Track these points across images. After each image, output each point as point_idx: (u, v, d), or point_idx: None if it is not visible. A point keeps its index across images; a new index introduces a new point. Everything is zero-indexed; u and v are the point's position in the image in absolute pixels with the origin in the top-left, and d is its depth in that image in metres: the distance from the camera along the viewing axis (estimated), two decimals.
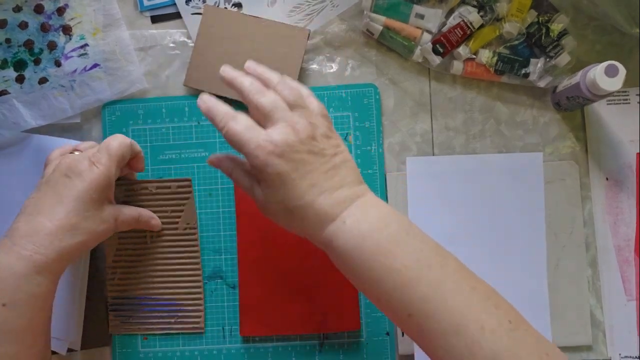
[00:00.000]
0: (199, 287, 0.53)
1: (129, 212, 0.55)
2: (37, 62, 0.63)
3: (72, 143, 0.54)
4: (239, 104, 0.63)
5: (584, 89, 0.56)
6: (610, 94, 0.55)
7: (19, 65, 0.63)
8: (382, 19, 0.62)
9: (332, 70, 0.64)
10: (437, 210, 0.62)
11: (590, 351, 0.61)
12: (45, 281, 0.48)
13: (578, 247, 0.62)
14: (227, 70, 0.50)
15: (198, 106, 0.49)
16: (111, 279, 0.56)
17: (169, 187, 0.51)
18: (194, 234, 0.51)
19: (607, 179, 0.63)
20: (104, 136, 0.64)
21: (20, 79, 0.63)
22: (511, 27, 0.61)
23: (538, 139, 0.63)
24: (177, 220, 0.52)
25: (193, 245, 0.52)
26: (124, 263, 0.56)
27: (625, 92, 0.63)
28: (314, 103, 0.49)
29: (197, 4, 0.64)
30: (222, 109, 0.48)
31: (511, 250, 0.61)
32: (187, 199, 0.51)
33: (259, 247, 0.60)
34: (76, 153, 0.53)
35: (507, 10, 0.61)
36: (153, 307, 0.56)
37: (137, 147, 0.56)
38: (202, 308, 0.57)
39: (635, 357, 0.61)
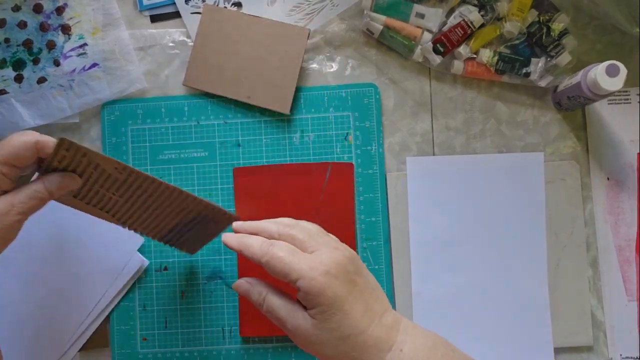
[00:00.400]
0: (192, 197, 0.51)
1: (28, 189, 0.46)
2: (35, 61, 0.63)
3: None
4: (240, 104, 0.63)
5: (584, 89, 0.56)
6: (611, 93, 0.55)
7: (18, 65, 0.63)
8: (382, 18, 0.62)
9: (332, 70, 0.64)
10: (437, 210, 0.62)
11: (590, 352, 0.61)
12: None
13: (579, 247, 0.61)
14: (240, 225, 0.50)
15: (225, 245, 0.48)
16: (133, 230, 0.55)
17: (64, 157, 0.48)
18: (126, 168, 0.49)
19: (608, 178, 0.63)
20: (103, 136, 0.63)
21: (19, 79, 0.63)
22: (512, 27, 0.61)
23: (539, 139, 0.63)
24: (108, 174, 0.49)
25: (145, 177, 0.50)
26: (123, 217, 0.54)
27: (626, 91, 0.63)
28: (330, 234, 0.49)
29: (196, 3, 0.64)
30: (256, 240, 0.46)
31: (511, 250, 0.61)
32: (84, 154, 0.47)
33: None
34: None
35: (507, 9, 0.61)
36: (189, 227, 0.56)
37: (49, 142, 0.47)
38: (215, 205, 0.54)
39: (636, 357, 0.61)
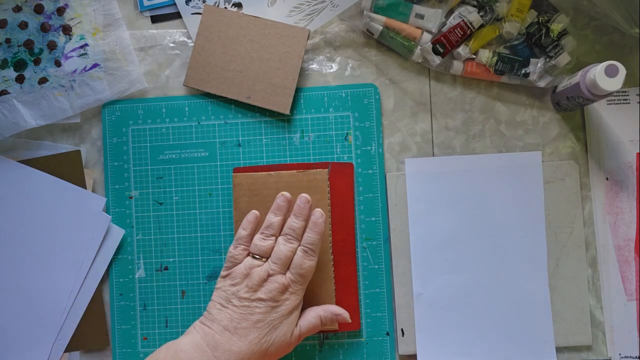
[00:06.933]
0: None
1: (309, 322, 0.57)
2: (37, 62, 0.63)
3: (246, 229, 0.57)
4: (240, 104, 0.64)
5: (584, 89, 0.56)
6: (610, 94, 0.55)
7: (19, 65, 0.63)
8: (382, 18, 0.62)
9: (332, 70, 0.64)
10: (437, 210, 0.62)
11: (590, 351, 0.61)
12: None
13: (578, 247, 0.62)
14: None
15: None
16: None
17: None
18: None
19: (607, 178, 0.63)
20: (104, 136, 0.64)
21: (20, 79, 0.63)
22: (511, 27, 0.61)
23: (538, 139, 0.63)
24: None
25: None
26: None
27: (625, 92, 0.63)
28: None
29: (197, 3, 0.64)
30: None
31: (511, 250, 0.61)
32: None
33: None
34: (265, 265, 0.55)
35: (507, 10, 0.61)
36: None
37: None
38: None
39: (635, 357, 0.61)
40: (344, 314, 0.58)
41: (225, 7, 0.64)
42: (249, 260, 0.55)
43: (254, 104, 0.63)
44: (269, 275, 0.54)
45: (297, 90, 0.63)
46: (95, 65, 0.64)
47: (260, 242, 0.55)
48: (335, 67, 0.64)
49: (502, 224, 0.62)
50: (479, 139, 0.64)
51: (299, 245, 0.56)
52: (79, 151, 0.63)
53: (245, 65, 0.62)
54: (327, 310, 0.57)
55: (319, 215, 0.56)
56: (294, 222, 0.56)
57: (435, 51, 0.61)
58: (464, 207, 0.62)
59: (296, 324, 0.55)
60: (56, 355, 0.61)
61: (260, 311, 0.53)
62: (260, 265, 0.54)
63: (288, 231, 0.56)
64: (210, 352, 0.51)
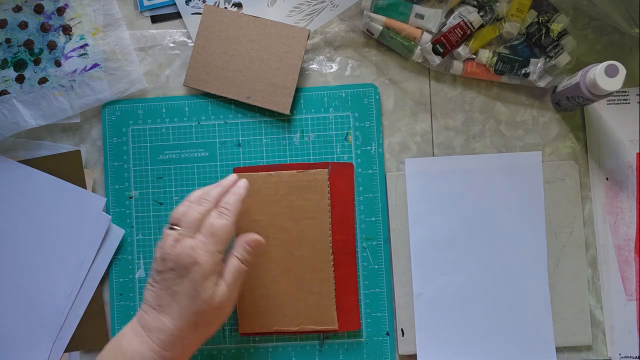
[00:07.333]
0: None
1: (231, 273, 0.52)
2: (37, 62, 0.63)
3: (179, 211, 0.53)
4: (240, 104, 0.64)
5: (584, 89, 0.56)
6: (610, 94, 0.55)
7: (19, 65, 0.63)
8: (382, 18, 0.62)
9: (332, 70, 0.64)
10: (437, 210, 0.62)
11: (590, 351, 0.61)
12: None
13: (578, 247, 0.62)
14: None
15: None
16: None
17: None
18: None
19: (607, 178, 0.63)
20: (104, 136, 0.64)
21: (20, 79, 0.63)
22: (511, 27, 0.61)
23: (538, 139, 0.63)
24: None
25: None
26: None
27: (625, 92, 0.63)
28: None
29: (197, 3, 0.64)
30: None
31: (511, 250, 0.61)
32: None
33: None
34: (180, 232, 0.51)
35: (507, 10, 0.61)
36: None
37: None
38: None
39: (635, 357, 0.61)
40: (255, 236, 0.54)
41: (225, 7, 0.64)
42: (165, 231, 0.52)
43: (254, 104, 0.63)
44: (176, 241, 0.50)
45: (297, 90, 0.63)
46: (95, 65, 0.64)
47: (174, 211, 0.53)
48: (335, 67, 0.64)
49: (502, 223, 0.62)
50: (479, 139, 0.64)
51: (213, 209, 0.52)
52: (79, 151, 0.63)
53: (245, 65, 0.62)
54: (239, 245, 0.54)
55: (242, 184, 0.55)
56: (211, 188, 0.54)
57: (435, 51, 0.61)
58: (464, 207, 0.62)
59: (216, 284, 0.50)
60: (56, 355, 0.61)
61: (174, 282, 0.49)
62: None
63: (203, 195, 0.53)
64: (145, 333, 0.50)
